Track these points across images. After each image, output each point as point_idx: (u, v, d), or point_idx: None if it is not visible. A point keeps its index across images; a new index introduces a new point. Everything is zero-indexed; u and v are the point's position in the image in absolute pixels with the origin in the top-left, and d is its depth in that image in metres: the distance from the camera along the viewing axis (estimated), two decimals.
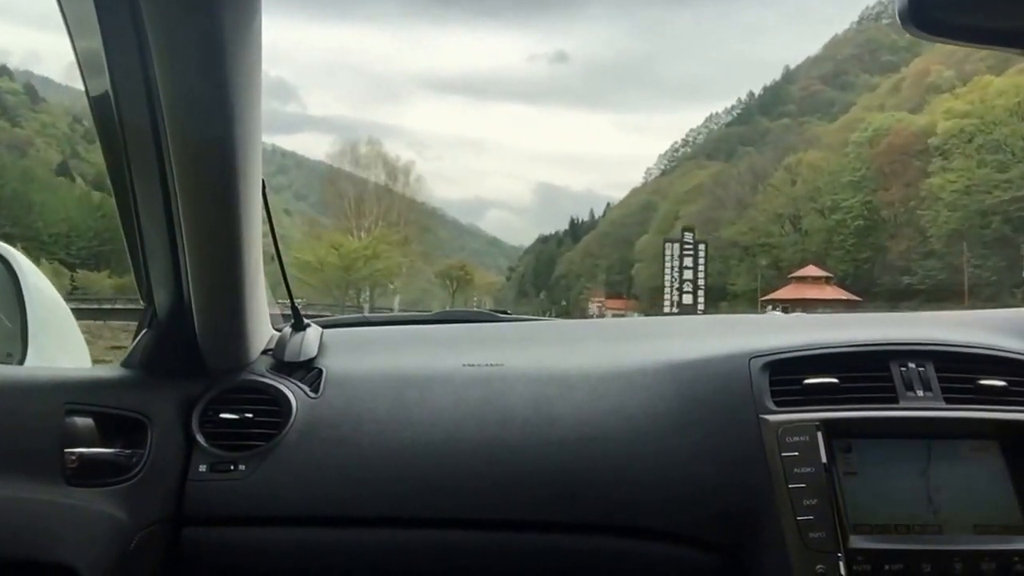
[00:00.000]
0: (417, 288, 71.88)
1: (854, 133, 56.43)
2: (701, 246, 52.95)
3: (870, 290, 47.56)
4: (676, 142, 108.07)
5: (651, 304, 69.65)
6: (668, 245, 52.45)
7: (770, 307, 46.62)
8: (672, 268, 51.73)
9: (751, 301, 59.89)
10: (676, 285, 50.95)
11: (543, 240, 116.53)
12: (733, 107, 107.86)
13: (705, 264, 52.19)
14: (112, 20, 0.98)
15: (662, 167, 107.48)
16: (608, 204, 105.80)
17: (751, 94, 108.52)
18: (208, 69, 0.96)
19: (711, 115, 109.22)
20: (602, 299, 66.35)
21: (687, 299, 50.60)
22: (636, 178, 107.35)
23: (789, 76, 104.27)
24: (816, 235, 56.29)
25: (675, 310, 48.21)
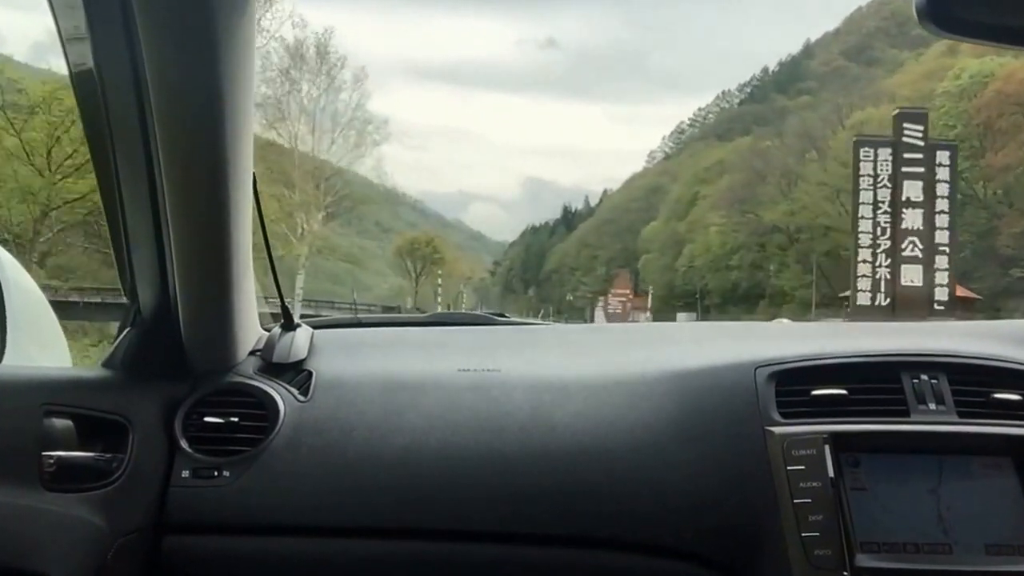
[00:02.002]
0: (396, 285, 54.99)
1: (942, 82, 40.99)
2: (944, 155, 24.11)
3: (965, 286, 32.05)
4: (683, 122, 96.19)
5: (664, 303, 52.97)
6: (864, 152, 24.35)
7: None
8: (876, 206, 23.78)
9: (803, 303, 42.80)
10: (884, 246, 23.65)
11: (533, 230, 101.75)
12: (745, 84, 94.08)
13: (952, 197, 23.91)
14: (98, 7, 0.96)
15: (666, 150, 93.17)
16: (605, 191, 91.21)
17: (766, 70, 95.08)
18: (199, 57, 0.93)
19: (722, 93, 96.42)
20: (628, 292, 49.96)
21: (910, 275, 23.29)
22: (629, 172, 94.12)
23: (808, 51, 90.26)
24: None
25: (882, 300, 22.80)
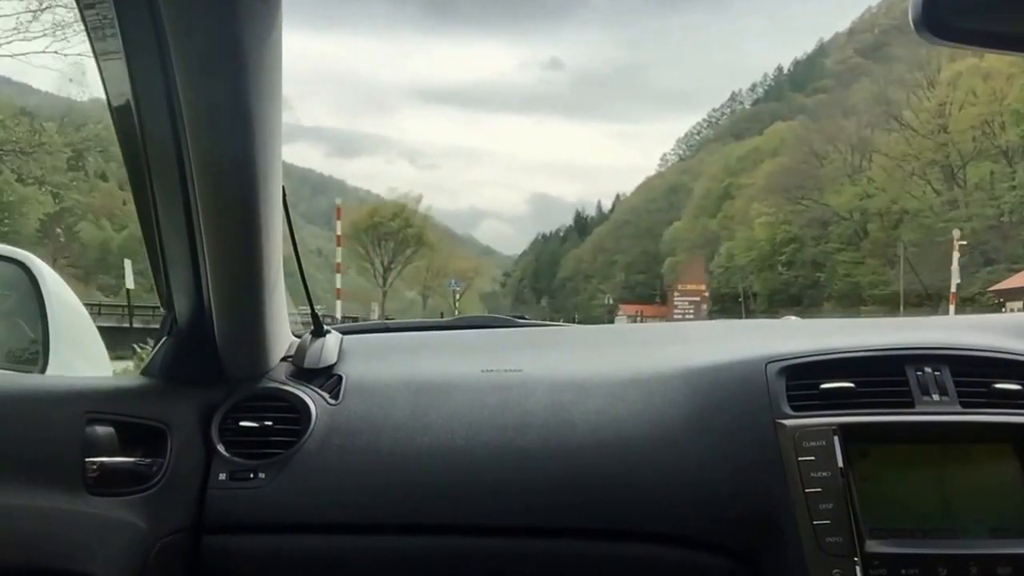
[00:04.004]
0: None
1: None
2: None
3: None
4: (699, 122, 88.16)
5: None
6: None
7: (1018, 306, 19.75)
8: None
9: (885, 303, 32.89)
10: None
11: (543, 239, 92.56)
12: (758, 84, 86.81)
13: None
14: (134, 33, 0.98)
15: (680, 153, 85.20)
16: (618, 195, 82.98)
17: (780, 69, 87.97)
18: (229, 81, 0.95)
19: (735, 93, 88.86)
20: (702, 288, 38.63)
21: None
22: (631, 188, 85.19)
23: (822, 50, 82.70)
24: (991, 192, 31.07)
25: None
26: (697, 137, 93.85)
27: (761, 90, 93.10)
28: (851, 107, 43.65)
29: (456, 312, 32.85)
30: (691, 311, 34.50)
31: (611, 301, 54.44)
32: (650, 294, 56.96)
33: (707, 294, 37.74)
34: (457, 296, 36.51)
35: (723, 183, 55.48)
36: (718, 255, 49.99)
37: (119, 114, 1.07)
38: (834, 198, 38.98)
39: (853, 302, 35.77)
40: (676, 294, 38.81)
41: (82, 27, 1.00)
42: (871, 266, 36.71)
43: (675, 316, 35.50)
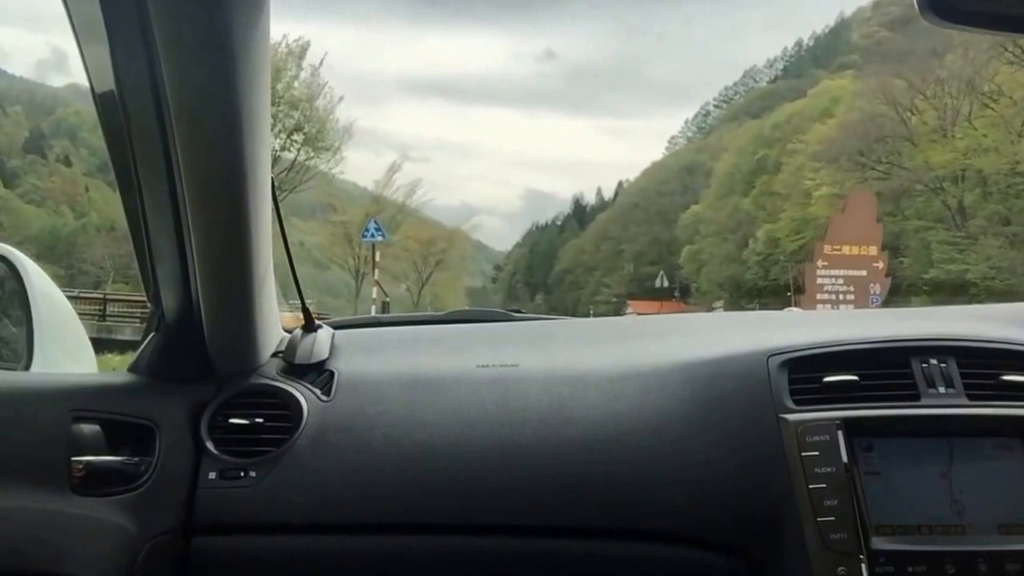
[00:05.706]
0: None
1: None
2: None
3: None
4: (708, 103, 79.36)
5: (730, 305, 33.25)
6: None
7: None
8: None
9: (1010, 295, 22.17)
10: None
11: (539, 229, 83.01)
12: (775, 60, 78.01)
13: None
14: (118, 21, 0.96)
15: (689, 135, 76.71)
16: (620, 182, 73.63)
17: (799, 43, 78.69)
18: (216, 69, 0.94)
19: (749, 69, 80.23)
20: (874, 250, 20.41)
21: None
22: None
23: (844, 23, 73.02)
24: None
25: None
26: (707, 118, 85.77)
27: (781, 64, 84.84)
28: (947, 44, 34.34)
29: (370, 291, 20.54)
30: (851, 296, 16.98)
31: (664, 284, 44.27)
32: (659, 293, 47.76)
33: (881, 265, 19.42)
34: (376, 253, 20.72)
35: (755, 156, 46.99)
36: (754, 240, 41.01)
37: (104, 104, 1.05)
38: (930, 156, 29.42)
39: (955, 294, 26.34)
40: (820, 263, 19.01)
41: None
42: (986, 248, 27.26)
43: (820, 305, 18.70)
